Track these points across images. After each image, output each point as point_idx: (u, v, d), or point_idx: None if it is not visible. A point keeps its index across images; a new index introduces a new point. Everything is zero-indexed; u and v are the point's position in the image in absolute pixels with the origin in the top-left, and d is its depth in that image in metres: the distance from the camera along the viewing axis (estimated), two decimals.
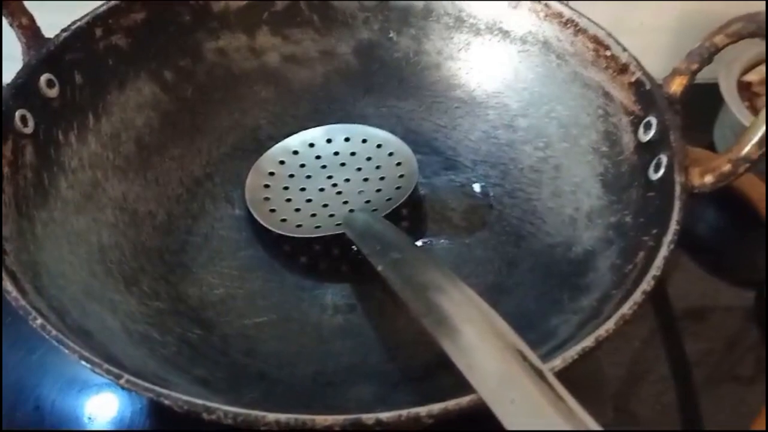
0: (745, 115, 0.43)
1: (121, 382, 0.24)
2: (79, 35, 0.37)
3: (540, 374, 0.23)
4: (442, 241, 0.39)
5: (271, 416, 0.23)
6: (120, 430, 0.35)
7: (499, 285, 0.36)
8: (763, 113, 0.27)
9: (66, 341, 0.25)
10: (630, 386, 0.39)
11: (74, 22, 0.37)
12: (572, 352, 0.24)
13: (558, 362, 0.24)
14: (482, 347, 0.25)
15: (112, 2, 0.38)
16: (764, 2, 0.33)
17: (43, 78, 0.35)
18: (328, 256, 0.39)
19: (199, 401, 0.23)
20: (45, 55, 0.35)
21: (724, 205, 0.47)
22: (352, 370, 0.33)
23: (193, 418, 0.23)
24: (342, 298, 0.37)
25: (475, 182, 0.41)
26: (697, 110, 0.48)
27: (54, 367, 0.37)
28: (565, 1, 0.39)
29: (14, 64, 0.35)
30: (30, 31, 0.35)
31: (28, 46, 0.35)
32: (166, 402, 0.23)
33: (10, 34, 0.35)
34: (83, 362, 0.24)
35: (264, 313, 0.36)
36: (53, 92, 0.35)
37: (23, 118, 0.33)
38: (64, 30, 0.36)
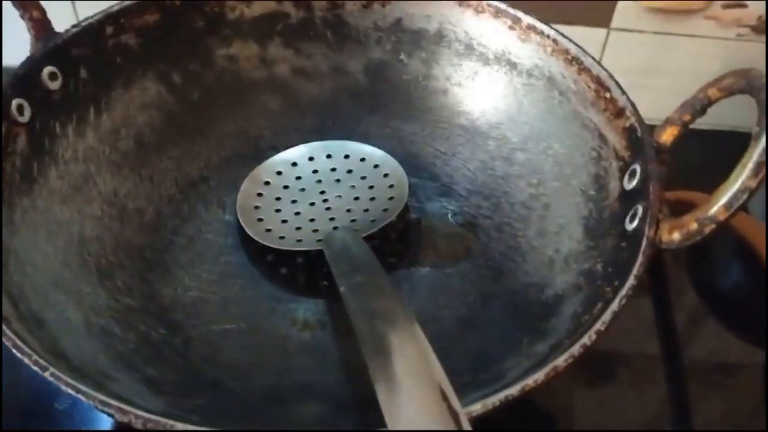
0: None
1: (46, 374, 0.24)
2: (89, 32, 0.38)
3: (455, 418, 0.23)
4: (425, 268, 0.39)
5: (179, 426, 0.23)
6: (115, 430, 0.36)
7: (470, 319, 0.36)
8: (736, 173, 0.26)
9: (3, 329, 0.25)
10: None
11: (85, 19, 0.38)
12: (494, 399, 0.24)
13: (478, 407, 0.24)
14: (408, 382, 0.24)
15: (127, 2, 0.39)
16: None
17: (46, 70, 0.36)
18: (308, 270, 0.39)
19: (114, 401, 0.23)
20: (50, 48, 0.36)
21: (745, 260, 0.46)
22: (306, 388, 0.33)
23: None
24: (314, 314, 0.37)
25: (466, 212, 0.41)
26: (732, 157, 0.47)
27: None
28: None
29: None
30: (40, 25, 0.36)
31: (37, 39, 0.36)
32: (84, 399, 0.24)
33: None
34: (14, 351, 0.25)
35: (233, 321, 0.36)
36: (55, 85, 0.36)
37: (20, 108, 0.34)
38: (74, 26, 0.37)
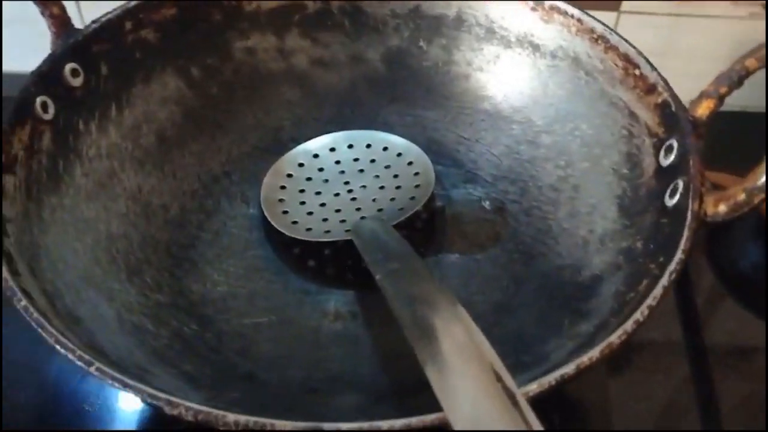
0: None
1: (91, 369, 0.24)
2: (108, 28, 0.37)
3: (512, 398, 0.22)
4: (454, 255, 0.39)
5: (231, 417, 0.22)
6: (123, 430, 0.36)
7: (503, 304, 0.35)
8: None
9: (45, 325, 0.25)
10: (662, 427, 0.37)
11: (104, 15, 0.37)
12: (550, 378, 0.23)
13: (534, 386, 0.23)
14: (458, 363, 0.24)
15: None
16: None
17: (68, 67, 0.35)
18: (336, 262, 0.38)
19: (162, 395, 0.23)
20: (71, 45, 0.36)
21: (764, 240, 0.45)
22: (340, 379, 0.33)
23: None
24: (345, 305, 0.36)
25: (493, 197, 0.40)
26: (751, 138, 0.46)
27: None
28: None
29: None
30: (60, 21, 0.36)
31: (57, 35, 0.36)
32: (131, 393, 0.23)
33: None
34: (57, 347, 0.24)
35: (263, 314, 0.36)
36: (77, 81, 0.36)
37: (44, 105, 0.34)
38: (93, 22, 0.37)
